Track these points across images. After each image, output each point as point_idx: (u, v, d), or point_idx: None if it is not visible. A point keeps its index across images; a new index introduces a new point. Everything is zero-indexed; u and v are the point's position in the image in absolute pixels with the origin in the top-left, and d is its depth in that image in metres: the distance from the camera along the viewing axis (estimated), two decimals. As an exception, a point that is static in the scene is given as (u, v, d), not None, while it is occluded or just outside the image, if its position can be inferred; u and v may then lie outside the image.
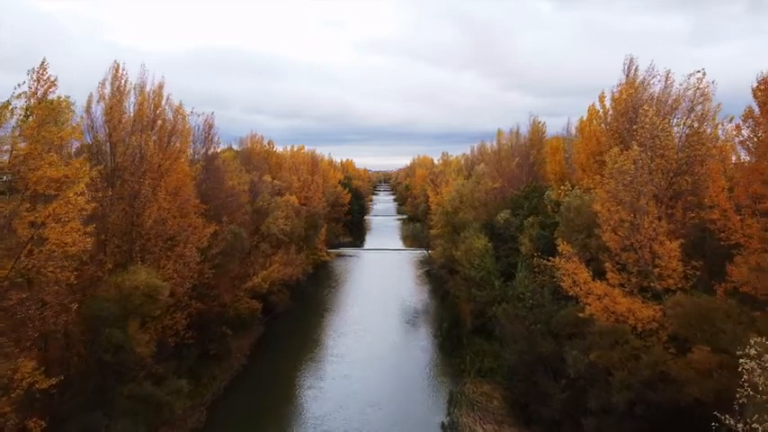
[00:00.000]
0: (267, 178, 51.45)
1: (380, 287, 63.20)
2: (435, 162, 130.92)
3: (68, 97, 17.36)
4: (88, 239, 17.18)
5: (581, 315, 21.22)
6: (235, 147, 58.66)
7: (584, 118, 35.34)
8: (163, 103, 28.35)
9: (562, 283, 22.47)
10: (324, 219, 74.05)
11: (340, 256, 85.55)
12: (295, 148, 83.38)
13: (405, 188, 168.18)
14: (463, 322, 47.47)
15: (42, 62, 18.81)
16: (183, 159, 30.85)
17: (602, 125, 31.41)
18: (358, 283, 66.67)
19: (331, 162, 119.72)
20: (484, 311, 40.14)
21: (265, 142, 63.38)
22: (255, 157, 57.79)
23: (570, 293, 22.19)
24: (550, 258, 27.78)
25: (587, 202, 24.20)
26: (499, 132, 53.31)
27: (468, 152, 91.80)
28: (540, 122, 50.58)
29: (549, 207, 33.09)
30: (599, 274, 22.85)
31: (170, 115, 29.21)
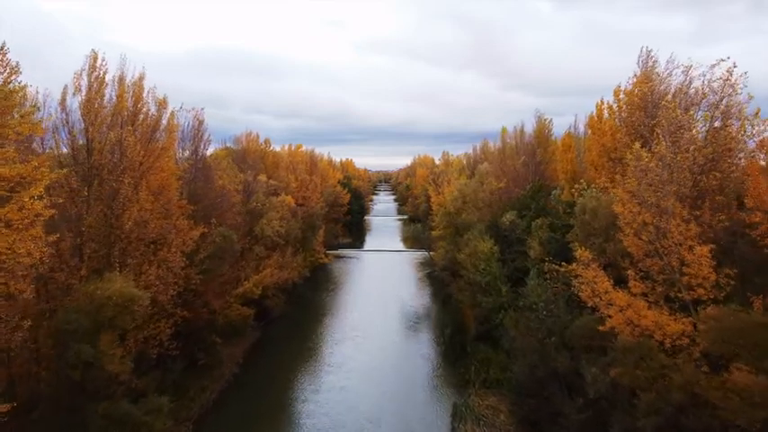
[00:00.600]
0: (262, 178, 49.42)
1: (380, 290, 61.18)
2: (436, 162, 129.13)
3: (22, 83, 15.29)
4: (45, 249, 15.14)
5: (601, 328, 19.17)
6: (230, 145, 56.58)
7: (594, 114, 33.46)
8: (144, 95, 26.31)
9: (580, 293, 20.41)
10: (322, 219, 72.04)
11: (339, 257, 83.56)
12: (293, 147, 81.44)
13: (405, 188, 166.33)
14: (467, 328, 45.47)
15: (2, 47, 16.82)
16: (168, 157, 28.84)
17: (616, 121, 29.43)
18: (357, 285, 64.65)
19: (330, 161, 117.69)
20: (489, 317, 38.18)
21: (261, 140, 61.31)
22: (251, 155, 55.72)
23: (589, 304, 20.12)
24: (564, 264, 25.76)
25: (605, 203, 22.16)
26: (503, 130, 51.22)
27: (470, 151, 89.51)
28: (545, 119, 48.56)
29: (560, 208, 31.05)
30: (618, 282, 20.83)
31: (153, 109, 27.18)
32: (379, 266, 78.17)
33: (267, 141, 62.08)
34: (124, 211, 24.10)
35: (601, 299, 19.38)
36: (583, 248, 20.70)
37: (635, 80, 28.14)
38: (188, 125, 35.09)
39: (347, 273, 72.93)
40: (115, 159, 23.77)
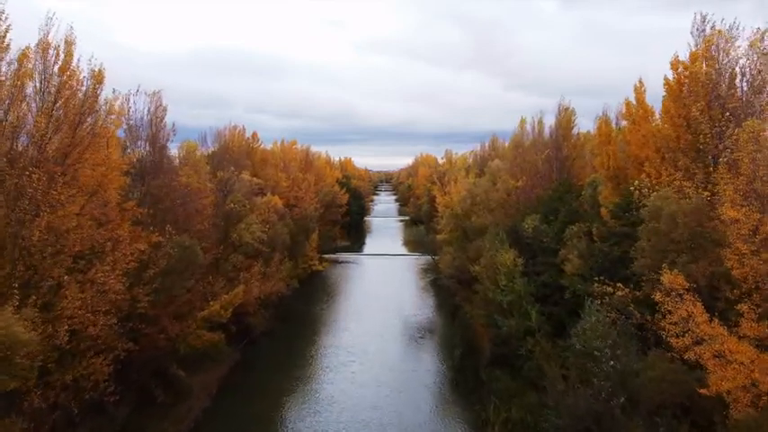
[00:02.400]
0: (246, 176, 43.23)
1: (380, 301, 54.91)
2: (439, 161, 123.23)
3: None
4: None
5: (703, 392, 12.98)
6: (210, 139, 50.36)
7: (633, 100, 27.39)
8: (73, 65, 20.13)
9: (672, 340, 14.16)
10: (316, 222, 65.92)
11: (336, 262, 77.42)
12: (286, 144, 75.30)
13: (407, 188, 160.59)
14: (479, 349, 39.38)
15: None
16: (108, 147, 22.71)
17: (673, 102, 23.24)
18: (355, 295, 58.40)
19: (328, 160, 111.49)
20: (508, 341, 32.05)
21: (248, 135, 55.10)
22: (235, 151, 49.57)
23: (685, 356, 13.89)
24: (619, 285, 19.62)
25: (688, 207, 15.95)
26: (522, 121, 44.91)
27: (477, 149, 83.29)
28: (569, 109, 42.32)
29: (603, 211, 24.91)
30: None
31: (89, 85, 20.96)
32: (379, 273, 72.06)
33: (254, 136, 55.94)
34: (35, 216, 17.94)
35: (705, 349, 13.14)
36: (674, 272, 14.38)
37: (693, 53, 22.11)
38: (146, 110, 28.96)
39: (344, 280, 66.73)
40: (19, 147, 17.60)
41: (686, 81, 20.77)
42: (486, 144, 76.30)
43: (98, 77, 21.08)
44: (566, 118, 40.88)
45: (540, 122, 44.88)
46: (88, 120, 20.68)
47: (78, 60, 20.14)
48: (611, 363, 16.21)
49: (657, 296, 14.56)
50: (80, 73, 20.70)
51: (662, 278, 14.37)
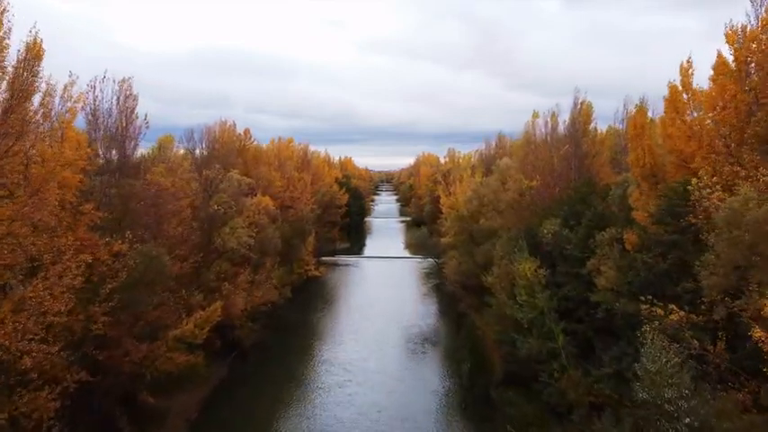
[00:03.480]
0: (234, 174, 39.59)
1: (380, 309, 51.26)
2: (441, 160, 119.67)
3: None
4: None
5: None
6: (196, 135, 46.66)
7: (679, 83, 23.51)
8: (1, 33, 16.46)
9: None
10: (314, 223, 62.37)
11: (335, 265, 73.90)
12: (282, 141, 71.54)
13: (408, 188, 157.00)
14: (489, 364, 35.94)
15: None
16: (63, 140, 19.14)
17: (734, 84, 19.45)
18: (353, 302, 54.73)
19: (327, 159, 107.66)
20: (525, 361, 28.42)
21: (240, 131, 51.41)
22: (225, 147, 45.98)
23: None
24: (673, 307, 15.98)
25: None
26: (535, 114, 40.99)
27: (482, 147, 79.37)
28: (587, 102, 38.62)
29: (640, 215, 21.23)
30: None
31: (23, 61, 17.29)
32: (379, 277, 68.53)
33: (246, 133, 52.22)
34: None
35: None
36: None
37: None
38: (114, 100, 25.35)
39: (343, 285, 63.16)
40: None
41: (754, 55, 17.06)
42: (493, 142, 72.46)
43: (35, 52, 17.33)
44: (584, 112, 37.25)
45: (554, 117, 41.09)
46: (24, 105, 17.03)
47: (9, 31, 16.40)
48: (687, 420, 12.52)
49: (756, 333, 10.89)
50: (21, 52, 17.08)
51: (758, 302, 10.61)
